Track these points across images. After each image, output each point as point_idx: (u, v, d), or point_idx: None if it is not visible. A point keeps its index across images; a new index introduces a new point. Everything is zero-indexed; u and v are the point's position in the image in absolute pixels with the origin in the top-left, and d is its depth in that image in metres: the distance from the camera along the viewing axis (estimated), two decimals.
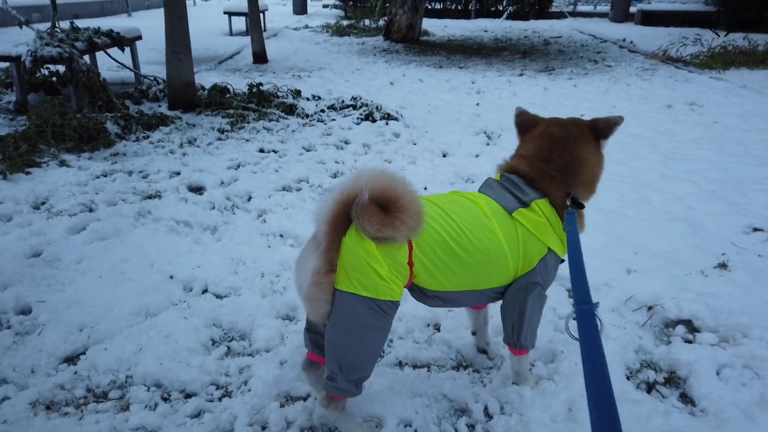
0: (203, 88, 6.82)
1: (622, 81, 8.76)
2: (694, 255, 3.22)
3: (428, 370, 2.34)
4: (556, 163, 1.90)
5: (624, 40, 13.50)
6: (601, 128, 1.91)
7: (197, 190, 4.08)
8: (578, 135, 1.92)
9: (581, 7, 21.32)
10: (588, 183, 1.94)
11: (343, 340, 1.73)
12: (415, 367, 2.37)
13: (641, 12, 17.24)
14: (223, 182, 4.19)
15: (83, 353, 2.32)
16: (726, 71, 9.41)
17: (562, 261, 2.00)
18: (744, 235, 3.49)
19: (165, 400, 2.11)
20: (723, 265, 3.10)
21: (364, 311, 1.68)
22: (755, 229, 3.54)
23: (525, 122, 2.08)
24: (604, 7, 20.35)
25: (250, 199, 3.92)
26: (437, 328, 2.61)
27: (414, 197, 1.67)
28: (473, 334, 2.44)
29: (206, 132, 5.45)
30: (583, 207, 1.93)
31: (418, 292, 1.87)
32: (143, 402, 2.07)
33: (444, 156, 5.13)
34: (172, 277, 2.87)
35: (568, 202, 1.87)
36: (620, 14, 18.19)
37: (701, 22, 15.85)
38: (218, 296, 2.77)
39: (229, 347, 2.43)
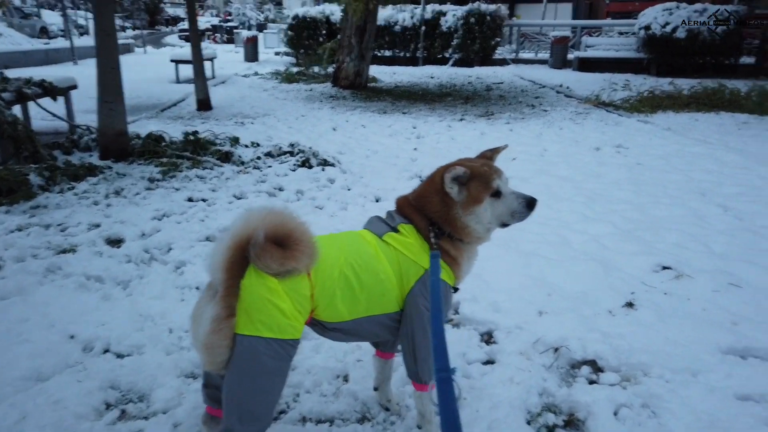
0: (139, 137, 6.75)
1: (555, 125, 9.12)
2: (604, 295, 3.31)
3: (331, 425, 2.29)
4: (414, 194, 2.08)
5: (561, 85, 14.14)
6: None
7: (115, 242, 3.98)
8: (432, 177, 2.04)
9: (523, 55, 22.28)
10: (441, 219, 1.98)
11: (243, 387, 1.71)
12: (318, 422, 2.32)
13: (578, 59, 18.16)
14: (144, 234, 4.10)
15: None
16: (653, 114, 9.94)
17: (455, 290, 2.09)
18: (653, 273, 3.61)
19: None
20: (630, 304, 3.19)
21: (266, 354, 1.70)
22: (664, 267, 3.68)
23: None
24: (544, 55, 21.31)
25: (169, 250, 3.84)
26: (346, 379, 2.58)
27: (305, 229, 1.77)
28: (375, 389, 2.43)
29: (136, 182, 5.37)
30: (442, 235, 1.99)
31: (319, 326, 1.93)
32: None
33: (377, 201, 5.18)
34: (72, 337, 2.76)
35: (431, 233, 1.97)
36: (559, 61, 19.09)
37: (634, 68, 16.81)
38: (119, 356, 2.67)
39: (124, 410, 2.33)
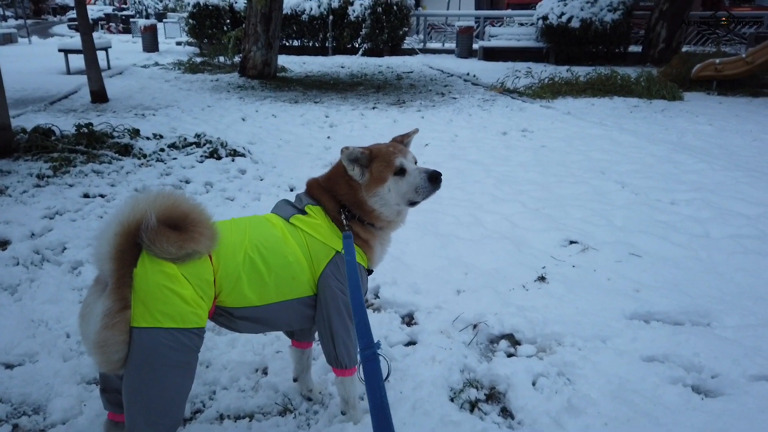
0: (24, 131, 6.17)
1: (464, 111, 9.33)
2: (517, 270, 3.40)
3: (250, 421, 2.19)
4: (324, 176, 2.04)
5: (468, 74, 14.49)
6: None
7: (0, 244, 3.60)
8: (339, 160, 1.97)
9: (431, 45, 22.66)
10: (350, 202, 1.95)
11: (146, 385, 1.58)
12: (237, 418, 2.21)
13: (483, 48, 18.71)
14: (33, 234, 3.74)
15: None
16: (554, 100, 10.41)
17: (370, 272, 2.06)
18: (562, 248, 3.77)
19: None
20: (542, 278, 3.30)
21: (168, 347, 1.58)
22: (571, 242, 3.84)
23: None
24: (451, 45, 21.77)
25: (64, 250, 3.53)
26: (265, 372, 2.48)
27: (201, 210, 1.67)
28: (295, 380, 2.34)
29: (22, 179, 4.89)
30: (353, 218, 1.95)
31: (225, 315, 1.81)
32: None
33: (291, 190, 5.05)
34: None
35: (342, 217, 1.93)
36: (465, 51, 19.59)
37: (535, 56, 17.56)
38: (8, 366, 2.41)
39: (16, 425, 2.10)
